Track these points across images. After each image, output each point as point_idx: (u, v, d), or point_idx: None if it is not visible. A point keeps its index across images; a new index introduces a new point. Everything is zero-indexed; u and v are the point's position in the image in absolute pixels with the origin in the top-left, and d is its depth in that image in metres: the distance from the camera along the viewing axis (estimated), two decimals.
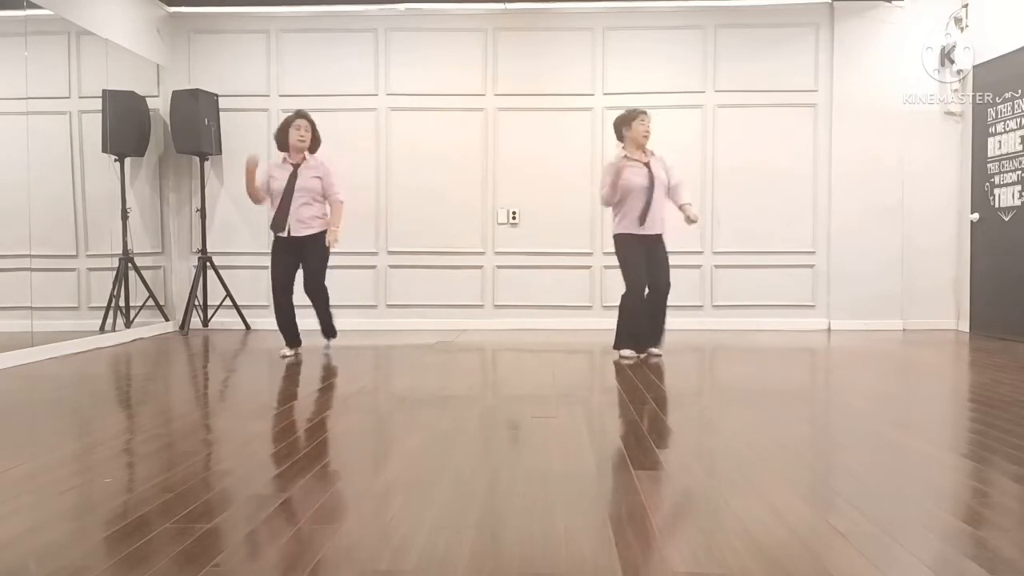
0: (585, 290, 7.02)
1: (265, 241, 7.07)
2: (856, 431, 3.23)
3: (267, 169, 5.21)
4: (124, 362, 5.30)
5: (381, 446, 3.04)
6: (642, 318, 5.10)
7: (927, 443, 2.99)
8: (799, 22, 6.90)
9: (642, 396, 3.89)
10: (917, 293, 6.88)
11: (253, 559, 1.81)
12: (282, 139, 5.16)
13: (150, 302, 6.66)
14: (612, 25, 6.96)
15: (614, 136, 5.28)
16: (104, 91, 6.19)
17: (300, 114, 5.20)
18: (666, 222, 5.12)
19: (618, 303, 5.21)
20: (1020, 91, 6.09)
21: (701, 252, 6.96)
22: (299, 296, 5.23)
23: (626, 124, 5.12)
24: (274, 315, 5.28)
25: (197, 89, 6.74)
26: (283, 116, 6.89)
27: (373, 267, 7.07)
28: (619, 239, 5.13)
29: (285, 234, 5.12)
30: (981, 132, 6.54)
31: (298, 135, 5.10)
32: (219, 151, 6.98)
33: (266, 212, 7.02)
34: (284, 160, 5.18)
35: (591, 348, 5.75)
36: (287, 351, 5.25)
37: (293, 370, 4.81)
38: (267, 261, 6.92)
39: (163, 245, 7.09)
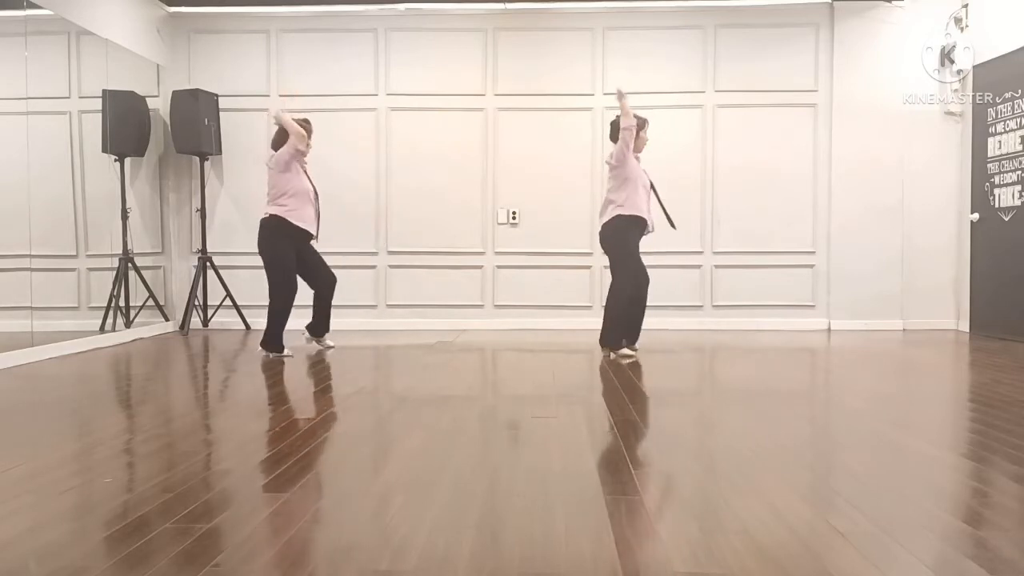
0: (585, 290, 7.02)
1: None
2: (856, 431, 3.23)
3: (293, 157, 5.08)
4: (124, 362, 5.30)
5: (381, 446, 3.04)
6: (631, 311, 5.14)
7: (927, 443, 2.99)
8: (799, 22, 6.90)
9: (642, 396, 3.89)
10: (917, 293, 6.87)
11: (253, 559, 1.81)
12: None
13: (150, 302, 6.66)
14: (612, 25, 6.96)
15: (612, 137, 5.30)
16: (104, 91, 6.19)
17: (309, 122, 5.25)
18: None
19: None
20: (1020, 91, 6.09)
21: (701, 252, 6.96)
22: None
23: (640, 128, 5.12)
24: (282, 315, 5.14)
25: (197, 89, 6.74)
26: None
27: (373, 267, 7.07)
28: (625, 221, 5.02)
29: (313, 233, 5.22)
30: (981, 132, 6.54)
31: (310, 143, 5.21)
32: (219, 151, 6.98)
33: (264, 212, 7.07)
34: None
35: (591, 348, 5.75)
36: (290, 351, 5.25)
37: (293, 370, 4.81)
38: None
39: (163, 245, 7.09)
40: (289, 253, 5.13)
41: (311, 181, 5.21)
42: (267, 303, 5.18)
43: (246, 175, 7.06)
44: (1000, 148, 6.31)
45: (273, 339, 5.17)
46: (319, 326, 5.47)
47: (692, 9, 6.92)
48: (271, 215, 5.09)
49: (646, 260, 5.17)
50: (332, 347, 5.52)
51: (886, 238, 6.85)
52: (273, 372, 4.74)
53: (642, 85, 6.89)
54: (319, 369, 4.91)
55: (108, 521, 2.09)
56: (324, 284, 5.36)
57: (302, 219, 5.11)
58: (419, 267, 7.06)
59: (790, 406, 3.82)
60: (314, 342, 5.53)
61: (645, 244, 5.20)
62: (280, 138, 5.15)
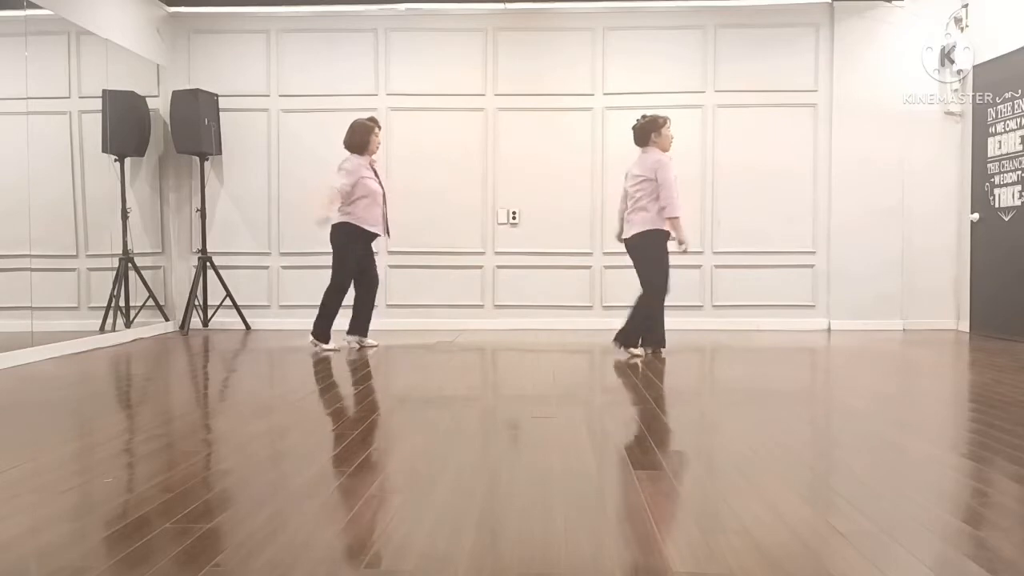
0: (585, 290, 7.02)
1: (265, 242, 7.09)
2: (856, 431, 3.23)
3: (355, 168, 5.41)
4: (124, 362, 5.30)
5: (381, 446, 3.04)
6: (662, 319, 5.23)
7: (927, 443, 2.99)
8: (799, 22, 6.90)
9: (642, 396, 3.89)
10: (917, 293, 6.87)
11: (253, 559, 1.81)
12: (364, 144, 5.48)
13: (150, 302, 6.66)
14: (612, 25, 6.96)
15: (620, 139, 5.66)
16: (104, 91, 6.18)
17: (376, 121, 5.60)
18: None
19: (634, 303, 5.19)
20: (1020, 91, 6.09)
21: (701, 252, 6.95)
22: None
23: (656, 130, 5.21)
24: (333, 305, 5.51)
25: (197, 89, 6.73)
26: (283, 116, 7.03)
27: None
28: (661, 235, 5.12)
29: (381, 233, 5.58)
30: (981, 132, 6.54)
31: (377, 141, 5.54)
32: (219, 151, 6.97)
33: (264, 212, 7.09)
34: (370, 163, 5.55)
35: (591, 348, 5.75)
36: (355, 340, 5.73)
37: (294, 371, 4.81)
38: (267, 261, 7.04)
39: (163, 245, 7.09)
40: (355, 254, 5.48)
41: (380, 183, 5.55)
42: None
43: (246, 175, 7.07)
44: (1000, 148, 6.31)
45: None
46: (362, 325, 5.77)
47: (692, 9, 6.92)
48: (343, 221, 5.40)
49: None
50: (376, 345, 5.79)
51: (886, 238, 6.85)
52: (273, 372, 4.74)
53: (642, 85, 6.91)
54: (319, 370, 4.92)
55: (108, 521, 2.09)
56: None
57: (384, 221, 5.56)
58: (419, 267, 7.06)
59: (790, 406, 3.82)
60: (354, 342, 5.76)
61: None
62: (363, 141, 5.49)
